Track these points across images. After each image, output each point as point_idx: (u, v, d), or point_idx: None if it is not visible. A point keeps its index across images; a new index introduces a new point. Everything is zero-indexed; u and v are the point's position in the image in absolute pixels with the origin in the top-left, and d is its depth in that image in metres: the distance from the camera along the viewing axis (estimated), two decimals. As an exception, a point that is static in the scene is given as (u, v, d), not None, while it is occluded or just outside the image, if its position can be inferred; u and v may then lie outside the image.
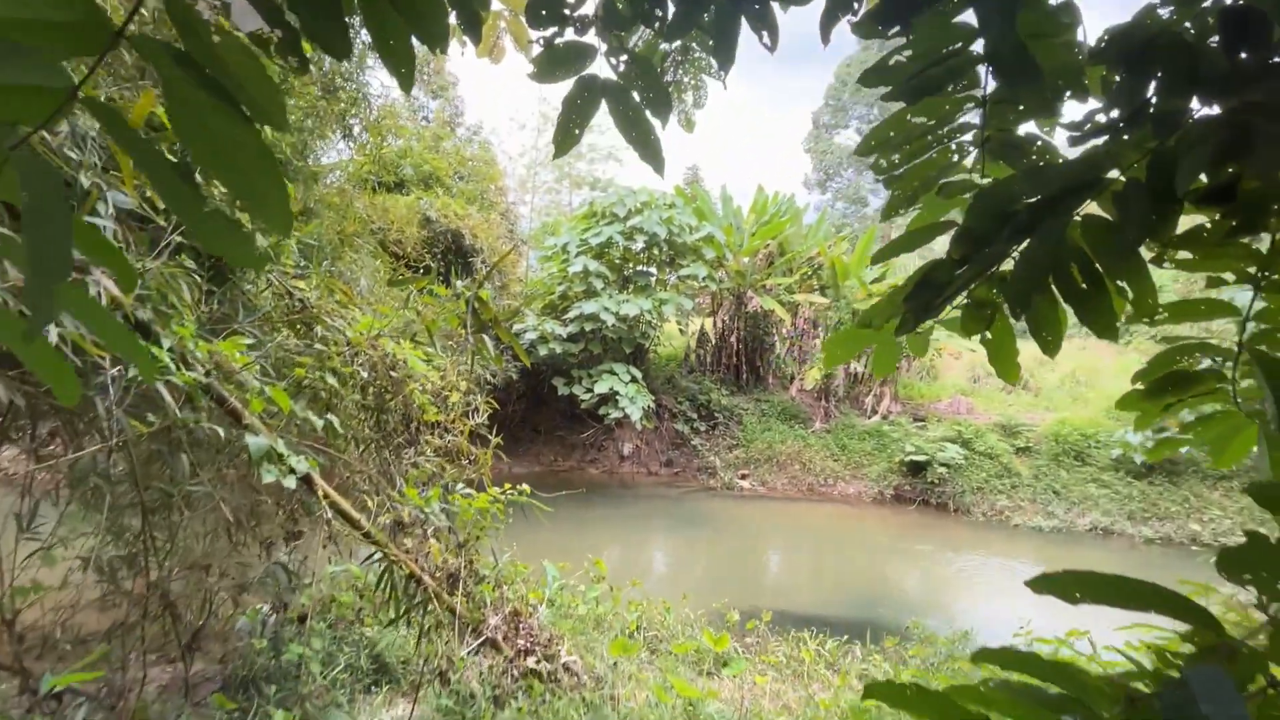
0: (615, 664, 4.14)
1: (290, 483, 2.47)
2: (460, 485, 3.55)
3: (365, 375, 3.47)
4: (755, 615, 6.74)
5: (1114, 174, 1.19)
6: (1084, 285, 1.26)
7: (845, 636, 6.49)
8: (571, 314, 13.85)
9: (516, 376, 14.13)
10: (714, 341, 17.95)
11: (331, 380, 2.94)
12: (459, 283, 3.36)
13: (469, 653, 2.91)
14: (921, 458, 13.48)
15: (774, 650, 6.17)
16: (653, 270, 16.29)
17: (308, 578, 3.82)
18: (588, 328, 13.79)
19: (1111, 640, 5.18)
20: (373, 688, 4.15)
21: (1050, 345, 1.36)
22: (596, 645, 5.50)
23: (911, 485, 13.81)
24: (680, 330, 18.55)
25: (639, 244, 15.32)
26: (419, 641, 2.95)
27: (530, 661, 3.06)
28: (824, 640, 6.27)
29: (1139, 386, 1.36)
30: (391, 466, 3.53)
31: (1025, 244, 1.28)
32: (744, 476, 15.02)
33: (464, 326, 3.12)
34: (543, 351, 13.73)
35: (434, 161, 14.94)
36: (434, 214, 12.06)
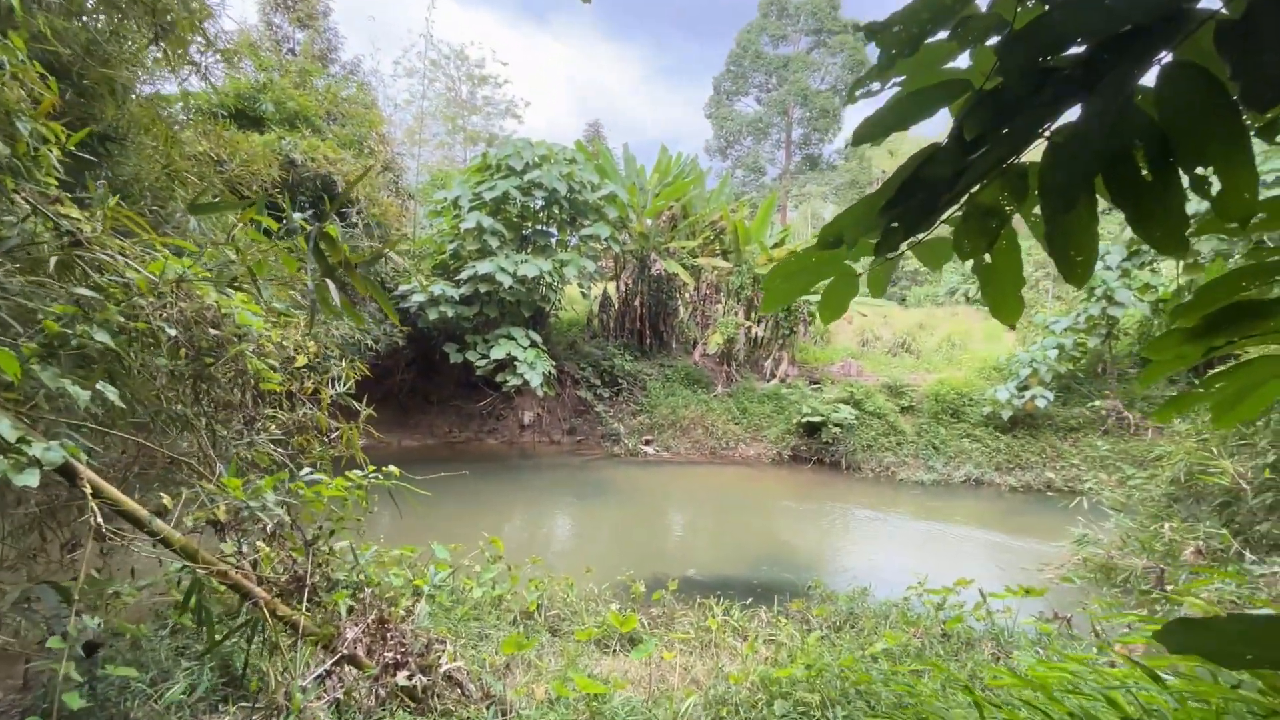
0: (508, 664, 3.68)
1: (28, 479, 1.74)
2: (309, 470, 2.87)
3: (174, 333, 2.67)
4: (662, 584, 6.52)
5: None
6: (1148, 176, 0.89)
7: (750, 600, 6.41)
8: (464, 274, 12.82)
9: (404, 342, 13.00)
10: (617, 306, 17.53)
11: (103, 338, 2.16)
12: (297, 215, 2.62)
13: (314, 680, 2.32)
14: (817, 419, 13.91)
15: (680, 619, 5.97)
16: (553, 230, 15.48)
17: (136, 580, 3.03)
18: (482, 289, 12.84)
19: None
20: (220, 706, 3.43)
21: (1081, 268, 0.99)
22: (492, 633, 5.01)
23: (808, 446, 14.26)
24: (583, 294, 17.94)
25: (538, 201, 14.43)
26: (243, 674, 2.32)
27: (401, 677, 2.51)
28: (729, 606, 6.14)
29: (1180, 326, 1.03)
30: (212, 450, 2.77)
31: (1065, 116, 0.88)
32: (648, 442, 14.88)
33: (304, 271, 2.42)
34: (433, 315, 12.65)
35: (300, 99, 13.11)
36: (299, 156, 10.54)
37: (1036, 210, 1.05)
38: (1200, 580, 5.41)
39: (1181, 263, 14.19)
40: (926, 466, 13.48)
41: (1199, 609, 5.28)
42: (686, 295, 17.58)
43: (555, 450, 15.04)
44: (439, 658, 2.78)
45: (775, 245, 17.01)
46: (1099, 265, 14.22)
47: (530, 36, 74.49)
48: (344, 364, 3.99)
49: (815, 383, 16.11)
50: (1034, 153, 0.98)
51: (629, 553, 8.86)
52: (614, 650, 5.21)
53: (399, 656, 2.61)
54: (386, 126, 21.30)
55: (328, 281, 2.44)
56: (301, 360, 3.17)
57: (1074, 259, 0.97)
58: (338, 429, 3.65)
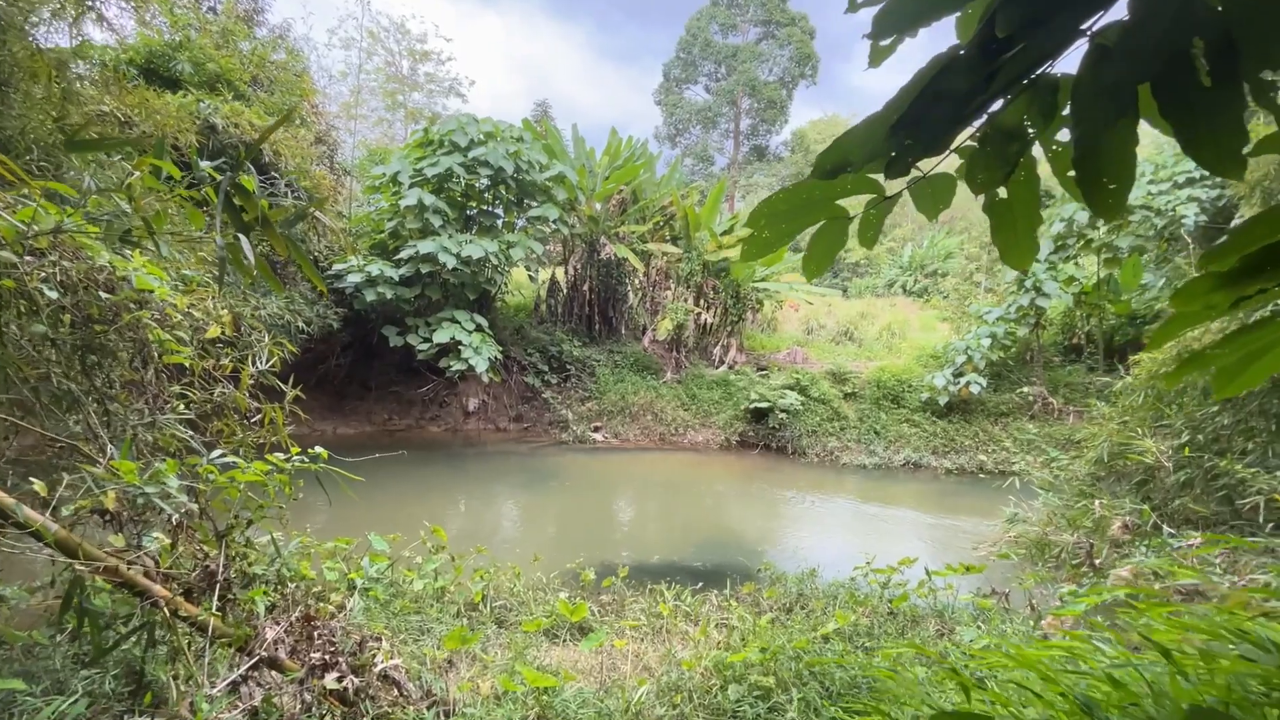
0: (451, 659, 3.45)
1: None
2: (221, 453, 2.56)
3: (55, 296, 2.30)
4: (612, 571, 6.39)
5: None
6: (1207, 83, 0.77)
7: (700, 584, 6.37)
8: (405, 254, 12.22)
9: (338, 325, 12.32)
10: (566, 291, 17.19)
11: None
12: (204, 164, 2.29)
13: (225, 687, 2.04)
14: (764, 404, 14.06)
15: (631, 606, 5.85)
16: (499, 211, 14.99)
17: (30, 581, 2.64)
18: (424, 270, 12.28)
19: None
20: (125, 717, 3.07)
21: (1114, 197, 0.87)
22: (435, 627, 4.76)
23: (755, 431, 14.41)
24: (530, 277, 17.53)
25: (483, 180, 13.92)
26: (137, 689, 2.03)
27: (330, 679, 2.27)
28: (680, 591, 6.07)
29: (1213, 269, 0.93)
30: (104, 431, 2.42)
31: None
32: (597, 429, 14.70)
33: (212, 227, 2.11)
34: (370, 296, 12.01)
35: (223, 61, 12.13)
36: (220, 121, 9.72)
37: (1060, 136, 0.93)
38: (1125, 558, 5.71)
39: (1101, 256, 15.04)
40: (868, 451, 13.85)
41: (1124, 581, 5.55)
42: (636, 281, 17.42)
43: (501, 438, 14.66)
44: (374, 656, 2.54)
45: (725, 232, 17.03)
46: (1029, 258, 14.91)
47: (473, 15, 72.17)
48: (266, 339, 3.62)
49: (763, 369, 16.29)
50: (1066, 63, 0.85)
51: (578, 540, 8.70)
52: (564, 640, 5.05)
53: (328, 657, 2.36)
54: (320, 98, 20.14)
55: (240, 238, 2.14)
56: (214, 331, 2.82)
57: (1106, 187, 0.85)
58: (260, 411, 3.31)
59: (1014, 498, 8.73)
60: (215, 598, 2.13)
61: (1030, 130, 0.90)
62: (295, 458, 2.64)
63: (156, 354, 2.64)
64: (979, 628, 4.91)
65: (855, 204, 1.21)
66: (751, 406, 14.32)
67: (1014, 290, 14.82)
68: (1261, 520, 5.68)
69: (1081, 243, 14.74)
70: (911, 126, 0.86)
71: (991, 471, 12.94)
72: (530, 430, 15.07)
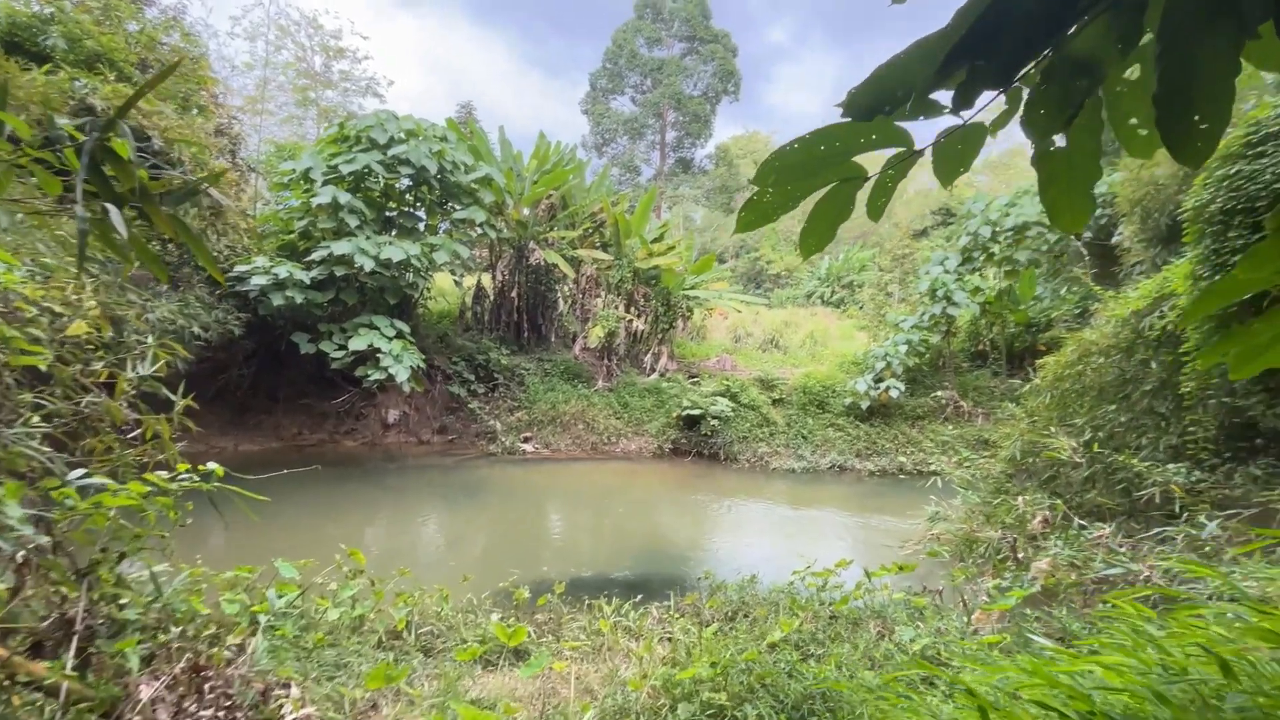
0: (375, 701, 3.07)
1: None
2: (82, 473, 2.11)
3: None
4: (547, 588, 6.06)
5: None
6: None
7: (640, 596, 6.15)
8: (317, 255, 11.37)
9: (241, 331, 11.29)
10: (493, 297, 16.63)
11: None
12: (64, 121, 1.88)
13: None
14: (696, 411, 14.09)
15: (569, 624, 5.56)
16: (421, 214, 14.30)
17: None
18: (339, 272, 11.47)
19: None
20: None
21: (1205, 140, 0.75)
22: (353, 661, 4.30)
23: (687, 438, 14.41)
24: (455, 282, 16.84)
25: (404, 180, 13.24)
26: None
27: (226, 740, 1.88)
28: (620, 605, 5.84)
29: (1269, 232, 0.83)
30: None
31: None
32: (527, 440, 14.23)
33: (74, 197, 1.70)
34: (278, 300, 11.07)
35: (104, 39, 10.91)
36: (98, 102, 8.66)
37: (1128, 75, 0.79)
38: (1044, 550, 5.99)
39: (1001, 269, 16.15)
40: (796, 455, 14.14)
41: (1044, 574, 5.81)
42: (566, 288, 17.11)
43: (424, 451, 13.90)
44: (281, 708, 2.16)
45: (655, 240, 17.05)
46: (940, 269, 15.80)
47: (389, 16, 69.72)
48: (151, 342, 3.13)
49: (694, 377, 16.36)
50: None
51: (510, 557, 8.28)
52: (499, 665, 4.70)
53: (222, 713, 1.97)
54: (220, 89, 18.64)
55: (110, 209, 1.75)
56: (78, 329, 2.35)
57: (1197, 127, 0.72)
58: (139, 424, 2.83)
59: (934, 497, 9.07)
60: (72, 652, 1.72)
61: (1103, 63, 0.77)
62: (182, 476, 2.22)
63: (4, 358, 2.16)
64: (917, 627, 4.96)
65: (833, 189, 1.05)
66: (684, 414, 14.31)
67: (926, 300, 15.65)
68: (1159, 511, 6.11)
69: (985, 256, 15.76)
70: (982, 46, 0.71)
71: (911, 472, 13.52)
72: (456, 442, 14.39)
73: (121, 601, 1.90)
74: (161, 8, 17.10)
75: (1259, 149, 5.36)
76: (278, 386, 13.95)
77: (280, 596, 3.57)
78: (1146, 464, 6.28)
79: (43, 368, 2.42)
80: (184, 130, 9.62)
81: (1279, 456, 5.93)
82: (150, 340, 3.50)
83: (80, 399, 2.83)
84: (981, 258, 15.76)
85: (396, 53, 62.87)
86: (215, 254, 11.42)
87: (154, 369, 3.01)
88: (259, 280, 10.91)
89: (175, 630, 2.04)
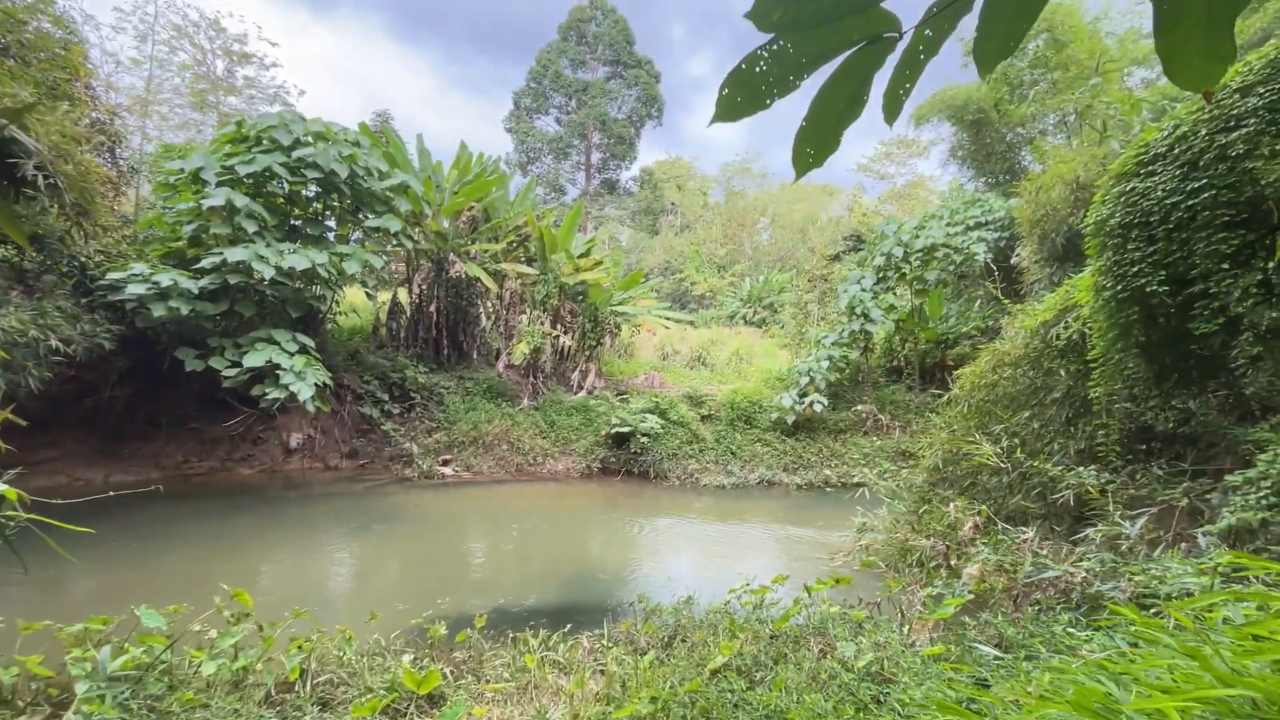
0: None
1: None
2: None
3: None
4: (467, 623, 5.52)
5: None
6: None
7: (569, 625, 5.71)
8: (207, 262, 10.27)
9: (113, 346, 9.98)
10: (409, 312, 15.74)
11: None
12: None
13: None
14: (625, 429, 13.78)
15: (491, 661, 5.04)
16: (330, 222, 13.36)
17: None
18: (233, 280, 10.39)
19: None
20: None
21: None
22: (229, 724, 3.65)
23: (617, 457, 14.05)
24: (368, 294, 15.84)
25: (311, 187, 12.33)
26: None
27: None
28: (547, 637, 5.38)
29: None
30: None
31: None
32: (446, 462, 13.40)
33: None
34: (159, 311, 9.86)
35: (-52, 12, 9.51)
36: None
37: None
38: (973, 555, 6.05)
39: (912, 288, 16.97)
40: (726, 471, 14.08)
41: (974, 580, 5.85)
42: (489, 304, 16.46)
43: (332, 477, 12.79)
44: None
45: (582, 255, 16.76)
46: (857, 288, 16.40)
47: (304, 27, 66.75)
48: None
49: (622, 394, 16.07)
50: None
51: (425, 590, 7.59)
52: (409, 714, 4.13)
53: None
54: (99, 83, 16.90)
55: None
56: None
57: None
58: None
59: (861, 508, 9.16)
60: None
61: None
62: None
63: None
64: (858, 643, 4.80)
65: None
66: (613, 431, 13.96)
67: (845, 317, 16.17)
68: (1072, 514, 6.33)
69: (897, 275, 16.52)
70: None
71: (836, 485, 13.75)
72: (367, 467, 13.35)
73: None
74: (28, -12, 15.38)
75: (1149, 168, 5.74)
76: (159, 410, 12.46)
77: (118, 656, 2.92)
78: (1059, 468, 6.50)
79: None
80: (43, 117, 8.44)
81: (1175, 457, 6.29)
82: None
83: None
84: (894, 277, 16.50)
85: (309, 64, 59.99)
86: (82, 260, 10.11)
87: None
88: (136, 289, 9.69)
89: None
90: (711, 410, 15.74)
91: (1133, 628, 3.58)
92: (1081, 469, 6.29)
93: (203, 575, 7.52)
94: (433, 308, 15.38)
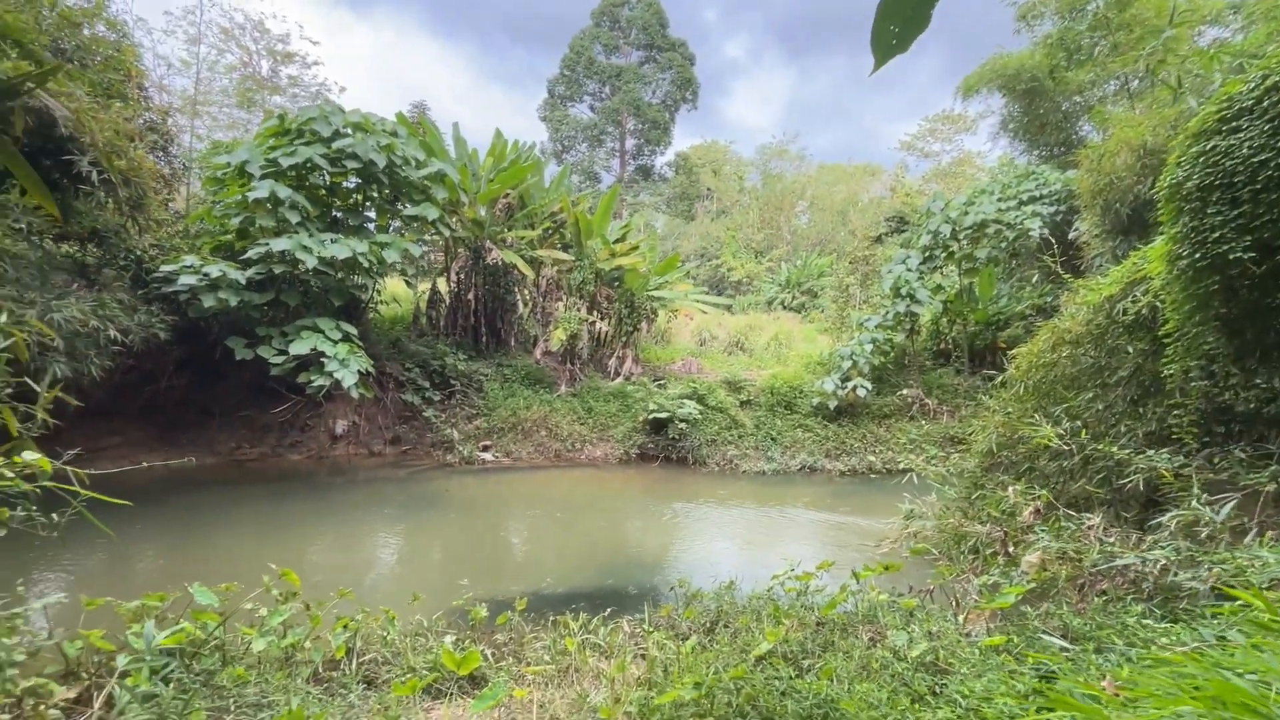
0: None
1: None
2: None
3: None
4: (507, 605, 5.50)
5: None
6: None
7: (609, 610, 5.64)
8: (254, 253, 10.53)
9: (168, 336, 10.35)
10: (448, 300, 15.90)
11: None
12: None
13: None
14: (663, 415, 13.66)
15: (532, 644, 5.02)
16: (370, 213, 13.55)
17: None
18: (278, 270, 10.64)
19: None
20: None
21: None
22: (278, 699, 3.69)
23: (655, 443, 13.96)
24: (407, 283, 16.07)
25: (351, 179, 12.50)
26: None
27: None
28: (587, 621, 5.32)
29: None
30: None
31: None
32: (486, 448, 13.54)
33: None
34: (209, 302, 10.17)
35: (10, 19, 9.91)
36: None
37: None
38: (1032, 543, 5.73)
39: (961, 267, 16.28)
40: (766, 457, 13.85)
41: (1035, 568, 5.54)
42: (525, 291, 16.50)
43: (376, 463, 13.07)
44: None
45: (618, 240, 16.63)
46: (902, 268, 15.82)
47: (345, 26, 68.03)
48: (3, 317, 2.50)
49: (659, 380, 15.94)
50: None
51: (467, 573, 7.65)
52: (452, 695, 4.12)
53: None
54: (150, 84, 17.51)
55: None
56: None
57: None
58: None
59: (908, 494, 8.85)
60: None
61: None
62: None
63: None
64: (910, 631, 4.58)
65: None
66: (650, 417, 13.86)
67: (890, 299, 15.64)
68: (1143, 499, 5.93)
69: (945, 254, 15.87)
70: None
71: (881, 471, 13.37)
72: (410, 453, 13.60)
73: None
74: (84, -6, 15.99)
75: (1234, 124, 5.25)
76: (213, 399, 12.92)
77: (161, 631, 2.94)
78: (1127, 451, 6.09)
79: None
80: (97, 115, 8.73)
81: (1258, 440, 5.82)
82: (58, 344, 2.85)
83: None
84: (942, 256, 15.86)
85: (350, 62, 61.18)
86: (138, 253, 10.48)
87: (3, 346, 2.38)
88: (188, 280, 10.01)
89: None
90: (750, 396, 15.48)
91: (1216, 620, 3.29)
92: (1152, 452, 5.88)
93: (253, 556, 7.75)
94: (471, 295, 15.51)
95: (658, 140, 46.57)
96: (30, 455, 1.83)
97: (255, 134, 13.67)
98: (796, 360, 17.68)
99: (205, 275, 10.14)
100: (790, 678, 3.41)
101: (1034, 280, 16.44)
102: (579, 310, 16.18)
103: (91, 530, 3.97)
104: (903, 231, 31.23)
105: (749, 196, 47.21)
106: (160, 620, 4.04)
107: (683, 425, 13.61)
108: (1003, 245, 15.13)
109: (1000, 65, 17.31)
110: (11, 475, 1.75)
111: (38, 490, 1.86)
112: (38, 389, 2.59)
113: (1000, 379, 8.50)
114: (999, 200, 15.28)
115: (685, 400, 14.00)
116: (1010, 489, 5.90)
